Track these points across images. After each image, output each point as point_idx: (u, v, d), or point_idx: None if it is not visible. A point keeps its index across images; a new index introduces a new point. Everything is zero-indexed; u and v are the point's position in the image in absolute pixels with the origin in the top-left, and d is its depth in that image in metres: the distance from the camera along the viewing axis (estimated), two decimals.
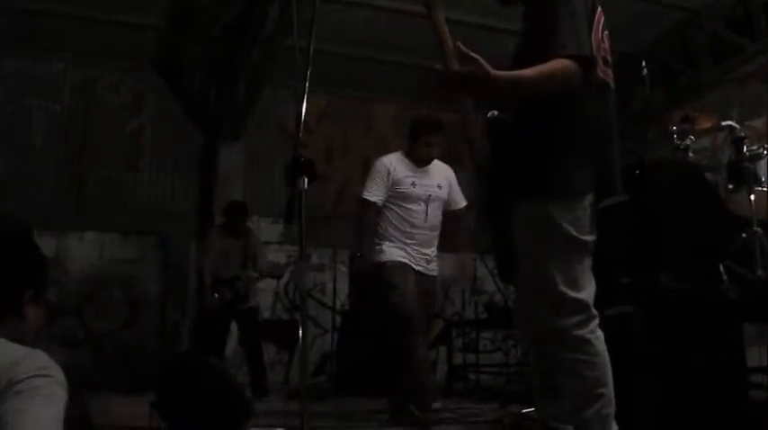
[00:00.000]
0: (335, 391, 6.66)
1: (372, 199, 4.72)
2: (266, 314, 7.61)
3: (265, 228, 7.52)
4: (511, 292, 7.87)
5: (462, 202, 4.91)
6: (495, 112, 2.46)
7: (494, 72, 2.14)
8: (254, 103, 7.81)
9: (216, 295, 6.39)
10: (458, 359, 7.41)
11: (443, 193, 4.82)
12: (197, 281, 7.02)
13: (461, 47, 2.19)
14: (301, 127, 2.36)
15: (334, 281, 7.76)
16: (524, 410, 4.49)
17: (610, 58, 2.50)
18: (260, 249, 6.80)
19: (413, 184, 4.74)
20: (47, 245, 7.40)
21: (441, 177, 4.84)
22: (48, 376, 1.39)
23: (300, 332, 2.21)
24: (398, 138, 8.60)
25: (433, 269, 4.81)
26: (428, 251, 4.78)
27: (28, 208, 7.05)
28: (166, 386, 3.76)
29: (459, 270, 8.46)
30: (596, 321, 2.37)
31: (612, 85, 2.51)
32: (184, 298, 7.83)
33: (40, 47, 7.71)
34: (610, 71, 2.49)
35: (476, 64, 2.14)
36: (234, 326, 6.71)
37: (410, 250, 4.71)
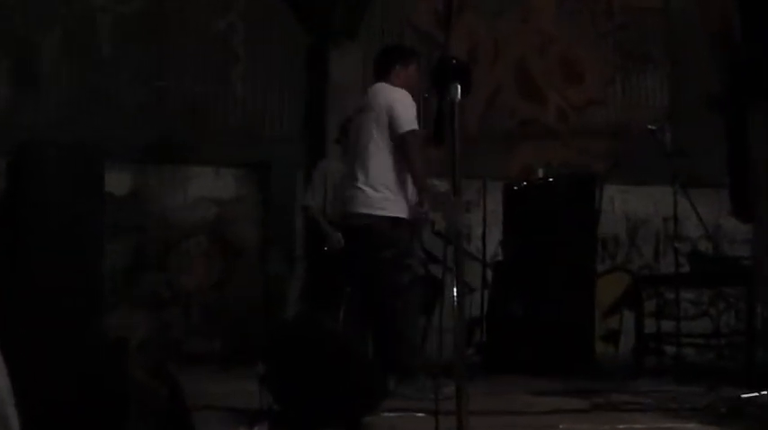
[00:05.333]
0: (486, 367, 6.72)
1: None
2: None
3: None
4: (726, 236, 7.68)
5: None
6: None
7: None
8: None
9: (330, 241, 6.48)
10: (650, 327, 7.28)
11: None
12: (305, 222, 7.18)
13: None
14: (449, 22, 2.34)
15: (484, 222, 7.63)
16: (744, 394, 4.38)
17: None
18: None
19: None
20: (118, 182, 7.67)
21: None
22: None
23: (455, 289, 2.23)
24: (562, 34, 8.70)
25: None
26: None
27: (96, 133, 7.33)
28: (277, 357, 3.91)
29: (651, 207, 8.22)
30: None
31: None
32: (291, 245, 8.06)
33: None
34: None
35: None
36: None
37: None
